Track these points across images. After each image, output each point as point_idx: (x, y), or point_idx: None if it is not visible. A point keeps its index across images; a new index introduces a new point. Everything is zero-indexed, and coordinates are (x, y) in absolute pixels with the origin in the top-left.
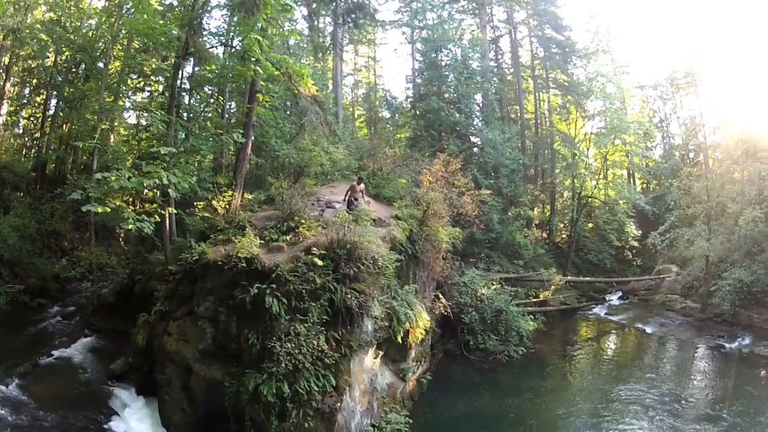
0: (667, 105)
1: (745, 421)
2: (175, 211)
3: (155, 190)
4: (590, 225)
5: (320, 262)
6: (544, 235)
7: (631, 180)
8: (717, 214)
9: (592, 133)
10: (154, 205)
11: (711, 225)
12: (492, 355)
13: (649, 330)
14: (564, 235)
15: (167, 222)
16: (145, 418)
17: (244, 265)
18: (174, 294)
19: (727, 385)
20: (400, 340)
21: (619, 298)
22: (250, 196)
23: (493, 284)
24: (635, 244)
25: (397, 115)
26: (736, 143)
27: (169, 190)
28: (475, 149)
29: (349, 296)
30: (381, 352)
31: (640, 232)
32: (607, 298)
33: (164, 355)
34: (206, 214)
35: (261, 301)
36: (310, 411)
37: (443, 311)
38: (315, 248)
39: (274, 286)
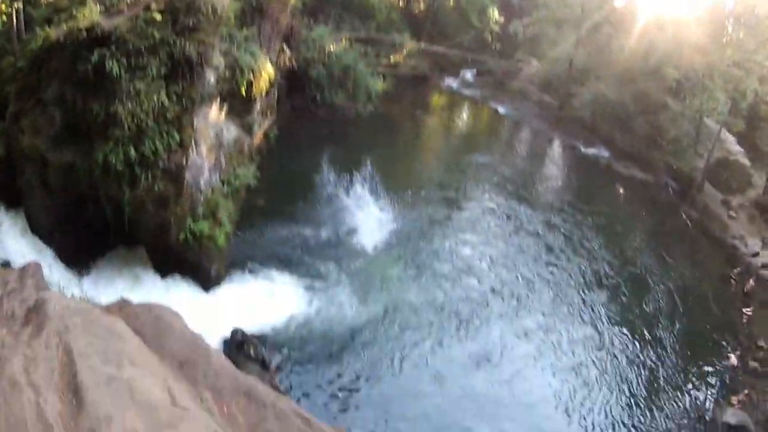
0: None
1: (593, 212)
2: (21, 6)
3: None
4: (452, 1)
5: (159, 17)
6: (401, 3)
7: None
8: (589, 31)
9: None
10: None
11: (580, 35)
12: (339, 111)
13: (502, 110)
14: (422, 7)
15: (14, 20)
16: (13, 230)
17: (85, 35)
18: (23, 90)
19: (581, 181)
20: (243, 92)
21: (474, 75)
22: None
23: (342, 42)
24: (496, 29)
25: None
26: None
27: None
28: None
29: (188, 46)
30: (226, 106)
31: (503, 19)
32: (461, 73)
33: (21, 155)
34: None
35: (102, 68)
36: (158, 172)
37: (289, 64)
38: (155, 3)
39: (113, 48)
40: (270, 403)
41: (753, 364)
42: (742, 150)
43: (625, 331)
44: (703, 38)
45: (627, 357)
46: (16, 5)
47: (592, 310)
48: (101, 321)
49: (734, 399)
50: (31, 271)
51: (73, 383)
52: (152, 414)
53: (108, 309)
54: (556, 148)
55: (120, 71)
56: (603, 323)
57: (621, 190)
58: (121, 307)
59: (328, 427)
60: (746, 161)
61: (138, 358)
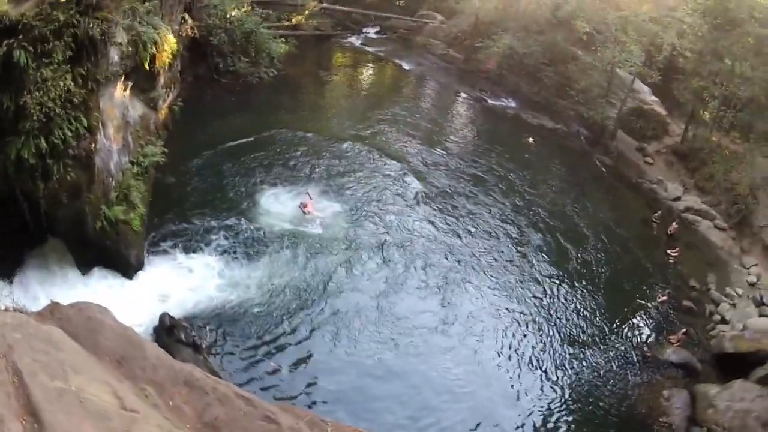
0: None
1: (506, 160)
2: None
3: None
4: None
5: None
6: None
7: None
8: None
9: None
10: None
11: None
12: (243, 77)
13: (407, 66)
14: None
15: None
16: None
17: None
18: None
19: (491, 132)
20: (147, 66)
21: (377, 32)
22: None
23: (243, 6)
24: None
25: None
26: None
27: None
28: None
29: (92, 26)
30: (130, 83)
31: None
32: (363, 30)
33: None
34: None
35: (11, 59)
36: (69, 161)
37: (191, 33)
38: None
39: (21, 37)
40: (210, 389)
41: (687, 303)
42: (658, 100)
43: (558, 278)
44: None
45: (564, 304)
46: None
47: (524, 259)
48: (39, 333)
49: (673, 338)
50: None
51: (29, 405)
52: (106, 423)
53: (40, 315)
54: (462, 101)
55: (27, 60)
56: (536, 272)
57: (531, 140)
58: (53, 311)
59: (271, 404)
60: (662, 110)
61: (79, 365)
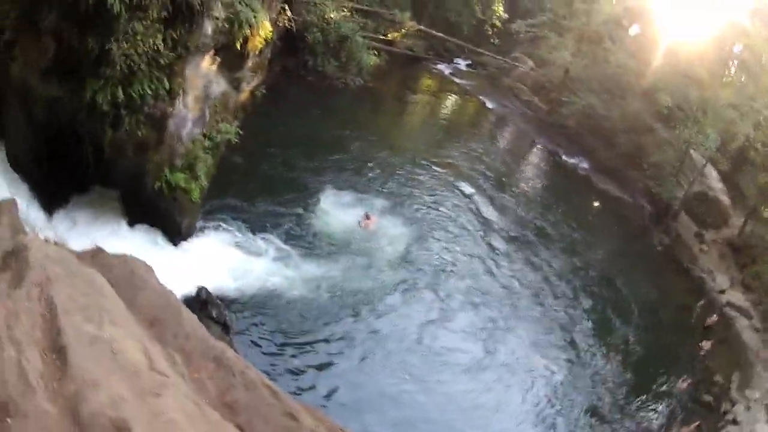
0: None
1: (566, 219)
2: None
3: None
4: None
5: None
6: None
7: None
8: (591, 40)
9: None
10: None
11: (581, 45)
12: (329, 79)
13: (490, 105)
14: None
15: None
16: None
17: None
18: (22, 17)
19: (558, 187)
20: (238, 46)
21: (468, 65)
22: None
23: (343, 11)
24: (498, 24)
25: None
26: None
27: None
28: None
29: None
30: (218, 59)
31: (507, 16)
32: (455, 61)
33: (8, 85)
34: None
35: (104, 3)
36: (142, 117)
37: (287, 25)
38: None
39: None
40: (239, 372)
41: (707, 397)
42: (724, 188)
43: (595, 346)
44: (704, 74)
45: (593, 372)
46: None
47: (570, 321)
48: (81, 273)
49: (685, 429)
50: (7, 208)
51: (57, 342)
52: (136, 379)
53: (82, 257)
54: (537, 151)
55: (121, 9)
56: (577, 337)
57: (596, 203)
58: (95, 256)
59: (295, 401)
60: (726, 199)
61: (117, 316)
